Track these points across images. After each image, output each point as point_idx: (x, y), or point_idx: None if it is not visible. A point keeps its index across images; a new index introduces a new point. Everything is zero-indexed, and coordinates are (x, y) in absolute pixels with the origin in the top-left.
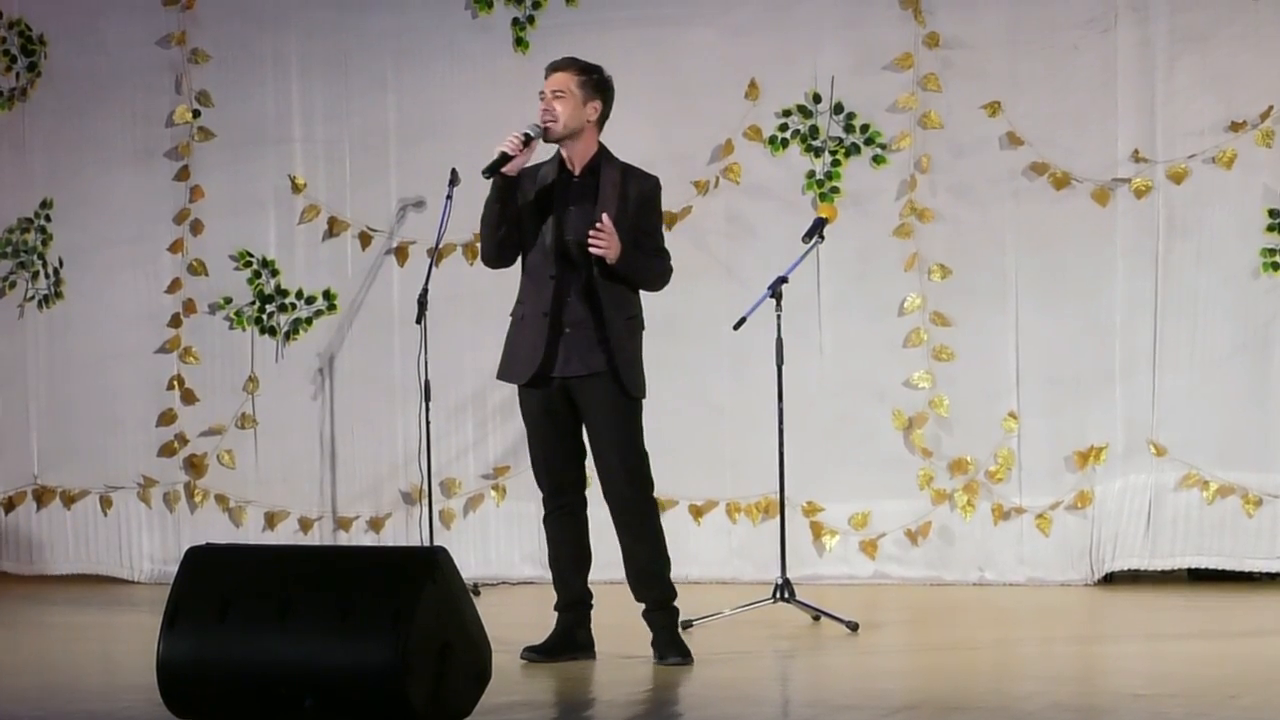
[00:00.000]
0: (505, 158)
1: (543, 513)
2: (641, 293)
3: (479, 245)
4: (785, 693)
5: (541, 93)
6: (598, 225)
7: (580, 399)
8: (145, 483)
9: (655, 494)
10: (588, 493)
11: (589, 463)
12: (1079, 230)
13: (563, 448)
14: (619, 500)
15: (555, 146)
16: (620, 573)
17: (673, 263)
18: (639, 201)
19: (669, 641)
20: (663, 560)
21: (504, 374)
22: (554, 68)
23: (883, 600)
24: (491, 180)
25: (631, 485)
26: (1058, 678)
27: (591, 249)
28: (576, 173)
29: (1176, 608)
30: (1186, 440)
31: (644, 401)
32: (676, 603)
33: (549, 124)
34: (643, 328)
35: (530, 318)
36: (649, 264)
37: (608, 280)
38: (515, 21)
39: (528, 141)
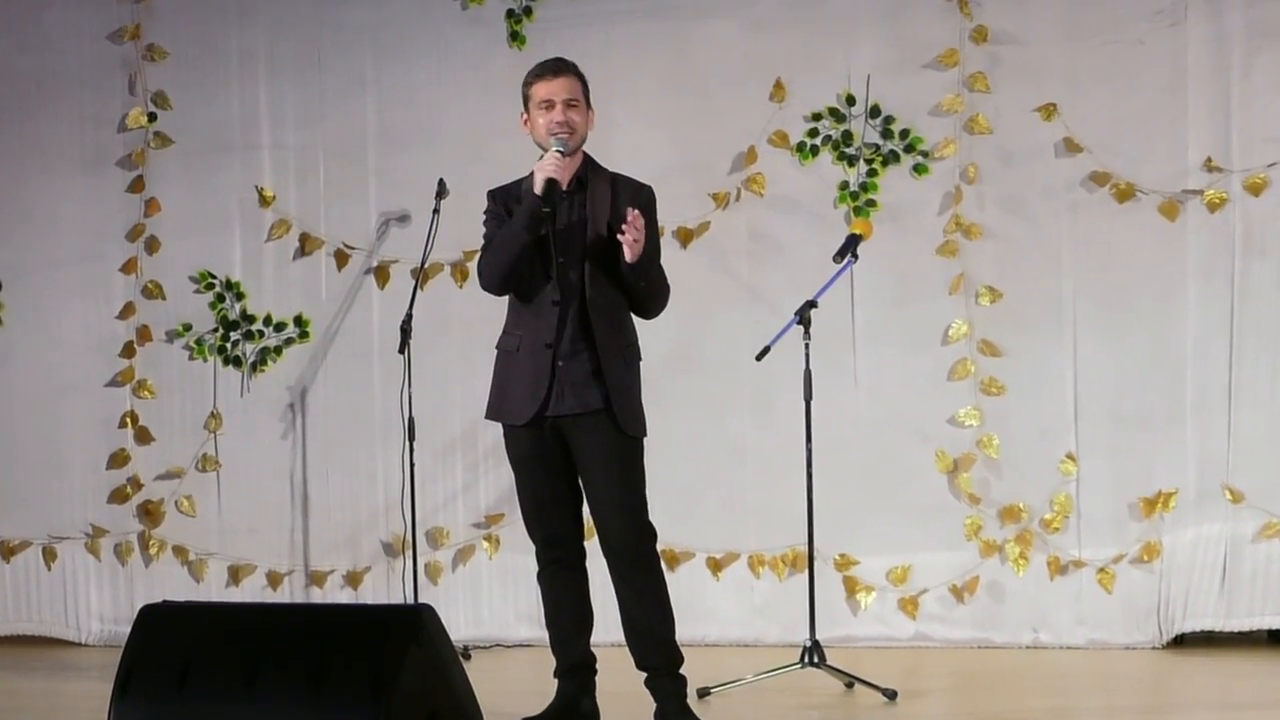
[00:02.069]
0: (555, 184)
1: (537, 567)
2: (640, 321)
3: (478, 269)
4: None
5: (550, 103)
6: (628, 219)
7: (574, 440)
8: (94, 532)
9: (663, 545)
10: (587, 544)
11: (586, 510)
12: (1145, 248)
13: (556, 494)
14: (617, 552)
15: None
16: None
17: (690, 284)
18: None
19: (677, 711)
20: (668, 620)
21: (496, 413)
22: (556, 72)
23: (924, 665)
24: (527, 215)
25: (631, 535)
26: None
27: (623, 239)
28: (564, 187)
29: (1255, 674)
30: (1266, 485)
31: (647, 441)
32: (685, 669)
33: (568, 138)
34: (639, 358)
35: (528, 350)
36: (660, 271)
37: (602, 306)
38: (510, 14)
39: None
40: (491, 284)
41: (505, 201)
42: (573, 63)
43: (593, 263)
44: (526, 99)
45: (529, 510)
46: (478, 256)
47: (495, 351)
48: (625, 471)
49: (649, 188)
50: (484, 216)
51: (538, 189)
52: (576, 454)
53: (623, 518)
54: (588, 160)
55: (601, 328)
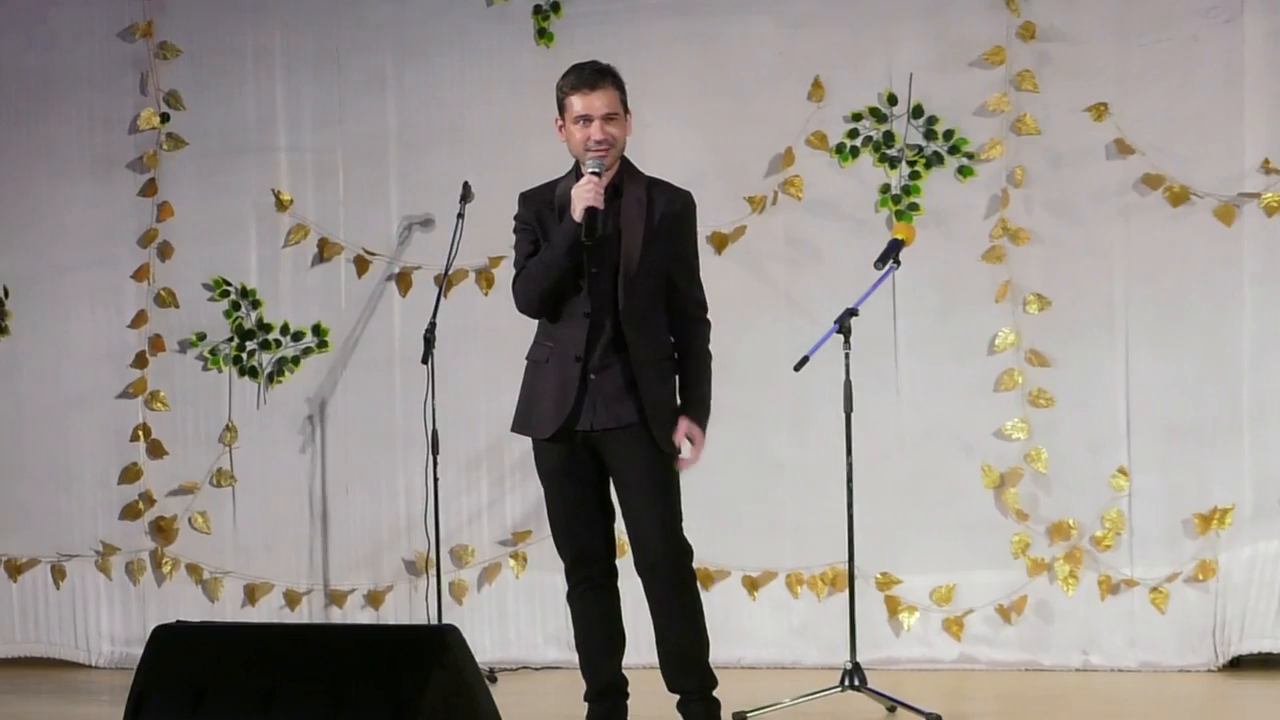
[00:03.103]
0: (596, 212)
1: (567, 587)
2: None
3: (513, 292)
4: None
5: (587, 118)
6: (685, 436)
7: (608, 455)
8: (105, 550)
9: (698, 563)
10: (619, 563)
11: (618, 526)
12: (1199, 254)
13: (587, 511)
14: (652, 571)
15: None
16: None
17: (725, 291)
18: (669, 221)
19: None
20: (703, 642)
21: (522, 426)
22: (593, 85)
23: (970, 688)
24: (567, 243)
25: (668, 553)
26: None
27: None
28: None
29: None
30: None
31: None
32: (720, 692)
33: (605, 156)
34: (676, 372)
35: (558, 361)
36: (706, 378)
37: (637, 318)
38: (537, 10)
39: None
40: (529, 309)
41: (538, 208)
42: (610, 69)
43: (627, 273)
44: (562, 106)
45: (559, 527)
46: (513, 276)
47: (525, 362)
48: (661, 487)
49: (687, 194)
50: (514, 223)
51: (577, 217)
52: (611, 469)
53: (658, 535)
54: (624, 165)
55: (635, 340)
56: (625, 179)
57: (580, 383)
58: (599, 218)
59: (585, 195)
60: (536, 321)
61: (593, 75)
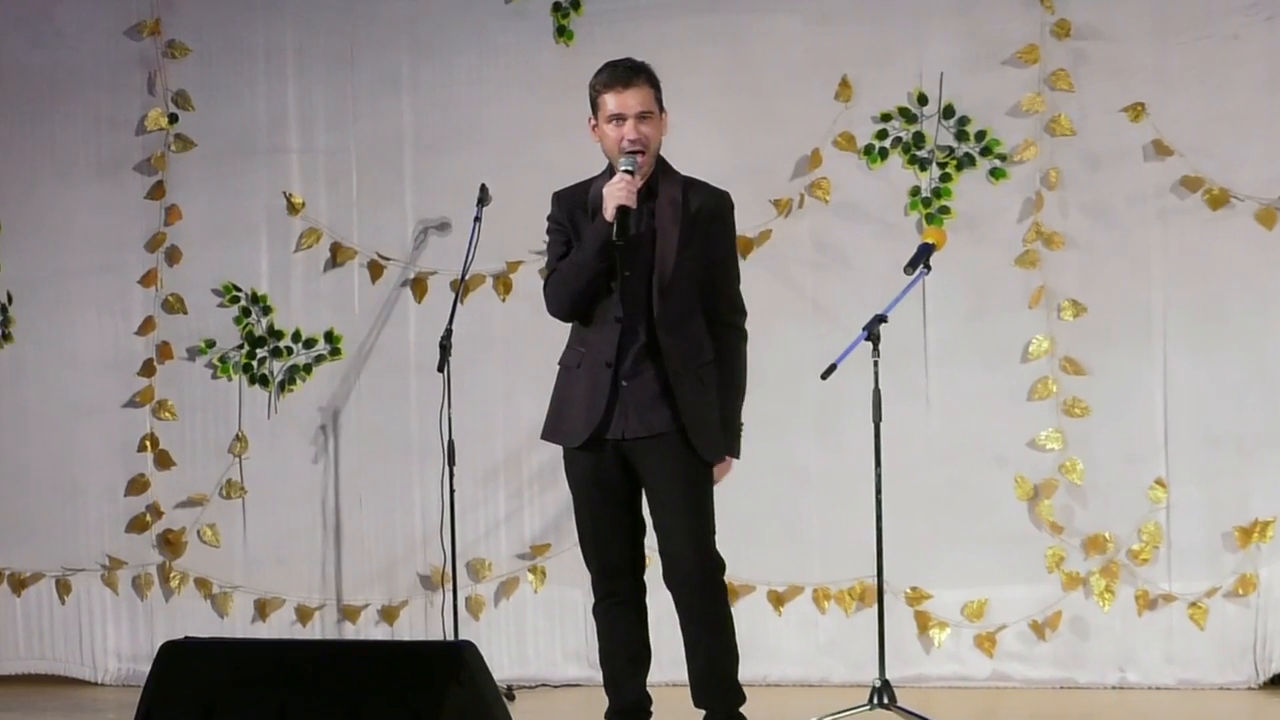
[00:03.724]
0: (628, 212)
1: (591, 600)
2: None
3: (545, 294)
4: None
5: (621, 117)
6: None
7: (639, 464)
8: (111, 564)
9: (726, 578)
10: (646, 577)
11: (648, 540)
12: (1240, 258)
13: (616, 522)
14: (686, 585)
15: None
16: (682, 673)
17: (749, 297)
18: (706, 221)
19: None
20: (732, 659)
21: (551, 434)
22: (627, 82)
23: (1003, 706)
24: (598, 243)
25: (702, 567)
26: None
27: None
28: (634, 207)
29: None
30: None
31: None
32: (745, 709)
33: (639, 157)
34: (716, 380)
35: (590, 366)
36: (737, 397)
37: (672, 323)
38: (556, 7)
39: None
40: (561, 312)
41: (571, 209)
42: (645, 66)
43: (661, 276)
44: (595, 105)
45: (586, 538)
46: (544, 278)
47: (546, 370)
48: (694, 499)
49: (724, 193)
50: (547, 224)
51: (608, 216)
52: (643, 480)
53: (690, 548)
54: (659, 164)
55: (671, 346)
56: (660, 178)
57: (611, 389)
58: (631, 217)
59: (617, 194)
60: (562, 327)
61: (626, 72)
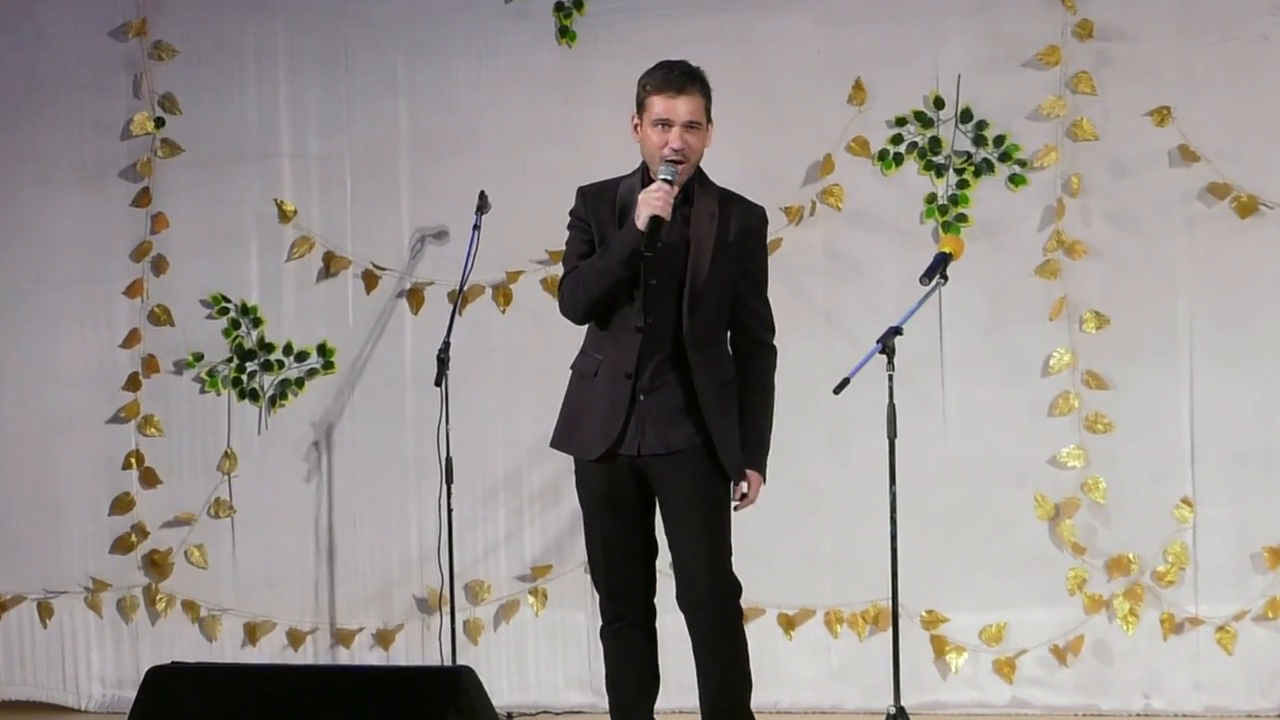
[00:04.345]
0: (660, 222)
1: (596, 623)
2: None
3: (560, 293)
4: None
5: (668, 122)
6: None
7: (656, 482)
8: (95, 586)
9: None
10: (657, 599)
11: (660, 560)
12: (1270, 268)
13: (628, 543)
14: (701, 608)
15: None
16: (691, 699)
17: None
18: (742, 236)
19: None
20: (746, 685)
21: (564, 443)
22: (680, 89)
23: None
24: (627, 251)
25: (718, 589)
26: None
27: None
28: (668, 219)
29: None
30: None
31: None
32: None
33: (679, 167)
34: (736, 401)
35: (608, 376)
36: (768, 415)
37: (700, 337)
38: (559, 6)
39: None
40: (575, 314)
41: (597, 206)
42: (700, 73)
43: (693, 289)
44: (641, 105)
45: (596, 557)
46: (561, 275)
47: (557, 377)
48: (711, 519)
49: (761, 209)
50: (569, 218)
51: (641, 224)
52: (660, 498)
53: (706, 569)
54: (697, 173)
55: (698, 362)
56: (697, 188)
57: (629, 403)
58: (663, 229)
59: (654, 203)
60: (567, 338)
61: (681, 78)
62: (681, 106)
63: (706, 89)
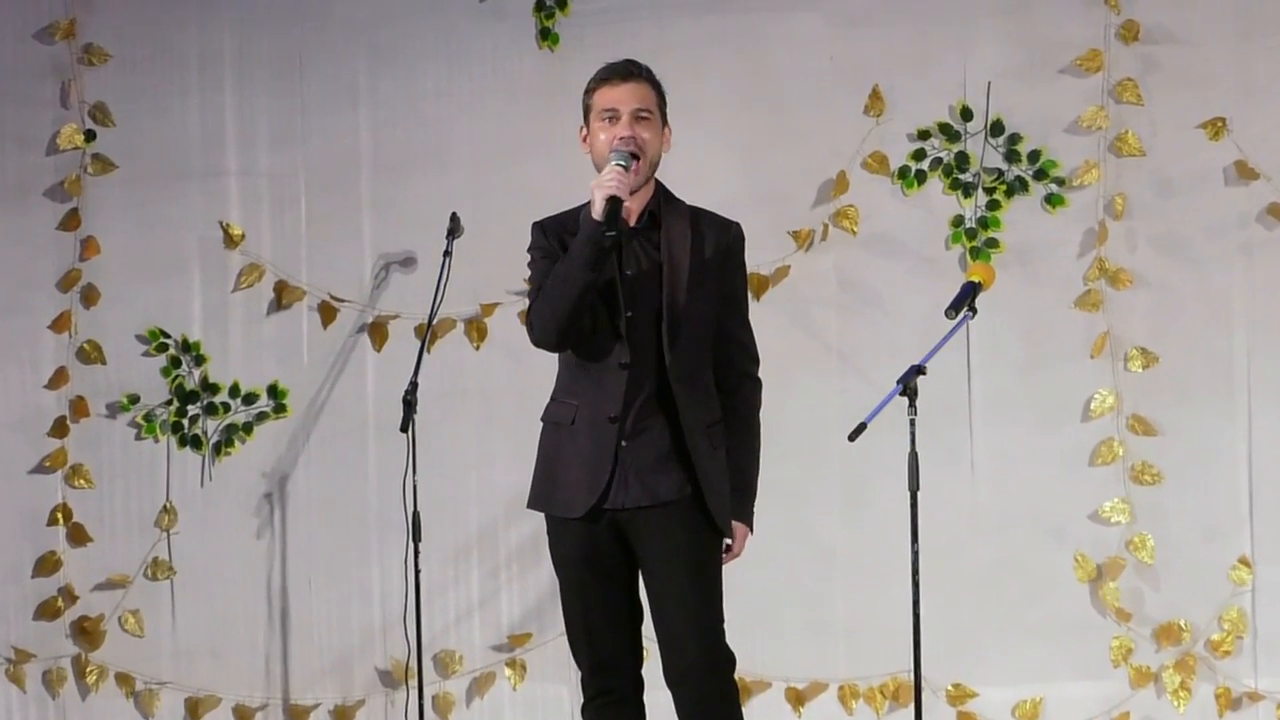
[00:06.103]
0: (618, 203)
1: (579, 698)
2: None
3: (529, 320)
4: None
5: (614, 113)
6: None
7: (636, 539)
8: (17, 657)
9: (737, 674)
10: (645, 671)
11: (646, 627)
12: None
13: (610, 609)
14: (688, 684)
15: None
16: None
17: (765, 344)
18: (720, 256)
19: None
20: None
21: (543, 503)
22: (625, 76)
23: None
24: (588, 244)
25: (708, 663)
26: None
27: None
28: (631, 222)
29: None
30: None
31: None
32: None
33: (636, 155)
34: (724, 443)
35: (587, 422)
36: (754, 458)
37: (685, 373)
38: (539, 6)
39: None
40: (547, 336)
41: (559, 234)
42: (647, 68)
43: (672, 319)
44: (587, 109)
45: (576, 627)
46: (527, 306)
47: (541, 424)
48: (701, 581)
49: (737, 225)
50: (529, 255)
51: (597, 212)
52: (641, 557)
53: (694, 639)
54: (660, 190)
55: (684, 399)
56: (664, 207)
57: (614, 450)
58: (622, 209)
59: (607, 184)
60: (547, 379)
61: (625, 67)
62: (627, 94)
63: (656, 84)
